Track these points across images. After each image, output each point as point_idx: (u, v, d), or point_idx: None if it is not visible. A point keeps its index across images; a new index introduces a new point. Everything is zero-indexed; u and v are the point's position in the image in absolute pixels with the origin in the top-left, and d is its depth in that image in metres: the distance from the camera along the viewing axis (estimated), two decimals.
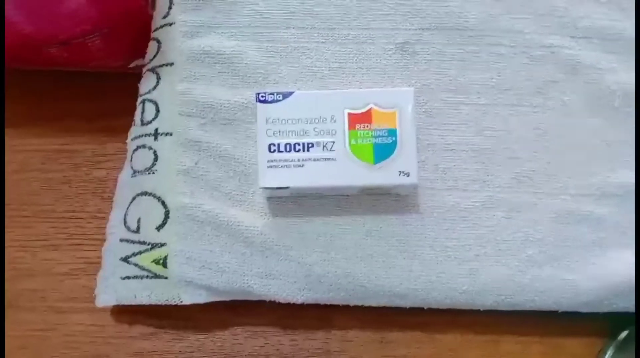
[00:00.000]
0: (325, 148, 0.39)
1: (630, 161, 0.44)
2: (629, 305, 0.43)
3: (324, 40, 0.44)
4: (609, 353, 0.44)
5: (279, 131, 0.40)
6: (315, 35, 0.44)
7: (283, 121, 0.40)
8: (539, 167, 0.44)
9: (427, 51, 0.44)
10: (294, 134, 0.40)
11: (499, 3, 0.44)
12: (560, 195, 0.43)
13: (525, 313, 0.44)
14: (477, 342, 0.46)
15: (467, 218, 0.43)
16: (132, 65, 0.49)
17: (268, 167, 0.39)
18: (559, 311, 0.44)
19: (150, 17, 0.47)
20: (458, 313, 0.44)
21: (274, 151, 0.39)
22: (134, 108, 0.46)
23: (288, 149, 0.39)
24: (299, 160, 0.39)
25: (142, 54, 0.47)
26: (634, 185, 0.43)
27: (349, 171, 0.39)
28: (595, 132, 0.44)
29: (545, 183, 0.43)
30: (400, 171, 0.39)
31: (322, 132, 0.39)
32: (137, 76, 0.47)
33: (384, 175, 0.40)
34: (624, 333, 0.44)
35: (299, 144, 0.39)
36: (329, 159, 0.39)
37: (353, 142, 0.39)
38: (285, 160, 0.39)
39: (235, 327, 0.46)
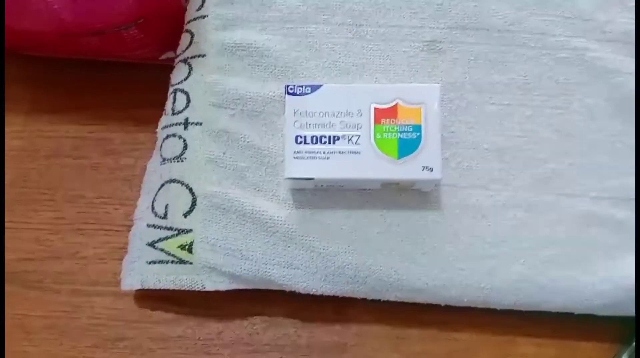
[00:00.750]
0: (350, 141, 0.40)
1: None
2: None
3: (352, 36, 0.45)
4: None
5: (306, 123, 0.40)
6: (344, 31, 0.45)
7: (310, 114, 0.40)
8: (561, 168, 0.44)
9: (454, 49, 0.45)
10: (320, 126, 0.40)
11: (527, 5, 0.45)
12: (581, 197, 0.44)
13: (541, 314, 0.44)
14: (492, 342, 0.46)
15: (488, 216, 0.44)
16: (163, 57, 0.50)
17: (294, 158, 0.40)
18: (575, 314, 0.44)
19: (184, 10, 0.48)
20: (475, 312, 0.45)
21: (301, 142, 0.40)
22: (164, 99, 0.48)
23: (314, 141, 0.40)
24: (324, 152, 0.40)
25: (174, 47, 0.48)
26: None
27: (373, 164, 0.40)
28: (618, 135, 0.44)
29: (566, 185, 0.44)
30: (423, 166, 0.40)
31: (348, 126, 0.40)
32: (168, 67, 0.48)
33: (407, 169, 0.40)
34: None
35: (325, 137, 0.40)
36: (354, 152, 0.40)
37: (378, 136, 0.40)
38: (311, 152, 0.40)
39: (254, 317, 0.46)
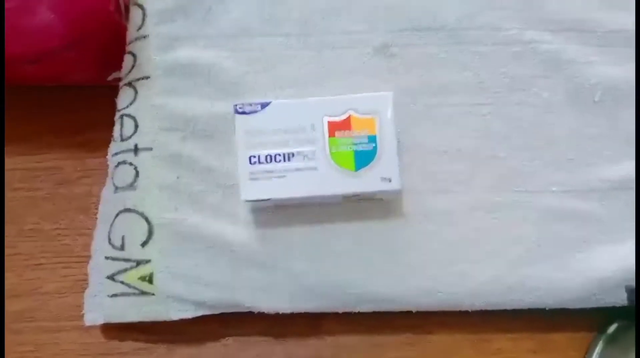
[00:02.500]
0: (306, 157, 0.39)
1: (612, 155, 0.44)
2: (617, 300, 0.43)
3: (301, 47, 0.44)
4: (599, 346, 0.44)
5: (259, 142, 0.39)
6: (292, 41, 0.44)
7: (262, 132, 0.39)
8: (522, 165, 0.43)
9: (406, 52, 0.44)
10: (274, 144, 0.39)
11: (476, 1, 0.44)
12: (544, 193, 0.43)
13: (514, 311, 0.44)
14: (468, 342, 0.46)
15: (453, 220, 0.43)
16: (110, 78, 0.48)
17: (250, 179, 0.39)
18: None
19: (124, 30, 0.46)
20: (448, 314, 0.44)
21: (255, 162, 0.39)
22: (113, 121, 0.46)
23: (269, 160, 0.39)
24: (280, 171, 0.39)
25: (119, 66, 0.46)
26: (616, 180, 0.43)
27: (330, 179, 0.39)
28: (577, 127, 0.44)
29: (528, 181, 0.43)
30: (382, 177, 0.39)
31: (302, 142, 0.39)
32: (116, 88, 0.47)
33: (365, 182, 0.40)
34: (612, 327, 0.44)
35: (279, 155, 0.39)
36: (310, 168, 0.39)
37: (334, 150, 0.39)
38: (267, 171, 0.39)
39: (227, 338, 0.46)
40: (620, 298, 0.42)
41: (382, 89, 0.43)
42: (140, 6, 0.44)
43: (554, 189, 0.43)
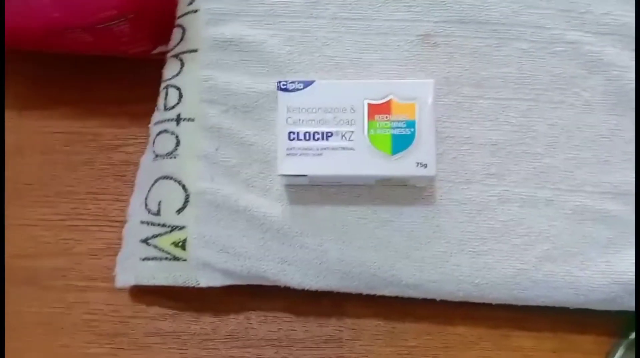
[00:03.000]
0: (344, 137, 0.40)
1: None
2: None
3: (345, 31, 0.44)
4: (619, 352, 0.44)
5: (299, 120, 0.40)
6: (337, 25, 0.44)
7: (303, 110, 0.40)
8: (556, 163, 0.44)
9: (449, 43, 0.44)
10: (313, 122, 0.40)
11: None
12: (577, 192, 0.43)
13: (538, 308, 0.44)
14: (489, 336, 0.46)
15: (483, 211, 0.43)
16: (155, 51, 0.49)
17: (287, 155, 0.40)
18: (571, 308, 0.44)
19: (175, 4, 0.47)
20: (470, 306, 0.45)
21: (294, 139, 0.40)
22: (157, 94, 0.47)
23: (307, 138, 0.40)
24: (317, 149, 0.40)
25: (166, 41, 0.48)
26: None
27: (366, 160, 0.40)
28: (614, 130, 0.44)
29: (561, 180, 0.44)
30: (418, 163, 0.40)
31: (341, 122, 0.40)
32: (160, 62, 0.48)
33: (401, 166, 0.40)
34: (634, 334, 0.44)
35: (318, 133, 0.40)
36: (347, 148, 0.40)
37: (372, 132, 0.40)
38: (304, 148, 0.40)
39: (250, 312, 0.47)
40: None
41: (423, 78, 0.44)
42: None
43: (587, 189, 0.43)
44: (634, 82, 0.44)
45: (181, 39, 0.46)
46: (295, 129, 0.40)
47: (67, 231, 0.49)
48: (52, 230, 0.49)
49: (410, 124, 0.40)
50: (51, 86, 0.52)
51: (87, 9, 0.44)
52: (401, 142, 0.40)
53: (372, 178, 0.42)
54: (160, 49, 0.49)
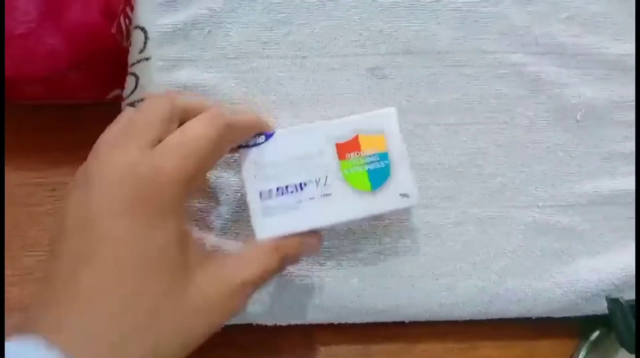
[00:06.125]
0: (319, 184, 0.38)
1: (592, 171, 0.46)
2: (598, 309, 0.45)
3: (297, 69, 0.45)
4: (582, 353, 0.46)
5: (267, 175, 0.38)
6: (289, 64, 0.45)
7: (269, 164, 0.38)
8: (507, 181, 0.46)
9: (397, 74, 0.46)
10: (283, 175, 0.38)
11: (464, 25, 0.46)
12: (529, 207, 0.45)
13: (500, 319, 0.46)
14: (456, 350, 0.47)
15: (441, 234, 0.45)
16: (110, 95, 0.49)
17: (263, 216, 0.37)
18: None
19: (126, 50, 0.48)
20: (437, 323, 0.46)
21: (266, 198, 0.38)
22: None
23: (280, 193, 0.38)
24: (294, 202, 0.38)
25: (120, 85, 0.48)
26: (596, 195, 0.46)
27: (349, 203, 0.38)
28: (559, 145, 0.46)
29: (513, 197, 0.45)
30: (401, 194, 0.38)
31: (312, 169, 0.38)
32: (115, 105, 0.48)
33: (385, 201, 0.38)
34: (594, 334, 0.46)
35: (290, 186, 0.38)
36: (325, 195, 0.38)
37: (346, 172, 0.38)
38: (280, 205, 0.37)
39: (219, 349, 0.47)
40: (601, 307, 0.44)
41: (376, 107, 0.45)
42: (142, 29, 0.45)
43: (539, 204, 0.45)
44: (573, 98, 0.46)
45: (135, 87, 0.46)
46: (266, 187, 0.38)
47: (34, 284, 0.48)
48: (18, 285, 0.48)
49: (383, 157, 0.39)
50: (7, 136, 0.51)
51: (38, 65, 0.44)
52: (378, 176, 0.39)
53: (359, 221, 0.41)
54: (114, 93, 0.49)
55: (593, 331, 0.46)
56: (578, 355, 0.46)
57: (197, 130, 0.35)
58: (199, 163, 0.35)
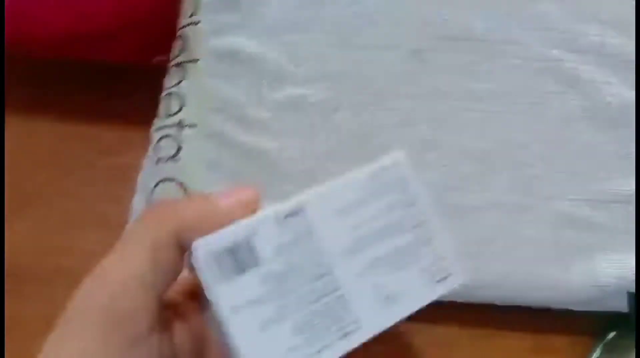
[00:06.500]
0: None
1: (623, 170, 0.46)
2: (618, 305, 0.45)
3: (335, 46, 0.47)
4: (597, 352, 0.46)
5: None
6: (333, 41, 0.47)
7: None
8: (539, 173, 0.46)
9: (438, 58, 0.47)
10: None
11: (507, 17, 0.47)
12: (559, 200, 0.46)
13: (519, 309, 0.46)
14: (470, 336, 0.47)
15: (468, 216, 0.45)
16: (155, 60, 0.51)
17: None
18: (552, 309, 0.46)
19: (177, 15, 0.49)
20: (454, 308, 0.46)
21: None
22: (158, 101, 0.49)
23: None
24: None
25: (166, 50, 0.49)
26: (625, 193, 0.46)
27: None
28: (591, 142, 0.46)
29: (544, 188, 0.46)
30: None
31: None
32: (160, 70, 0.50)
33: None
34: (611, 334, 0.46)
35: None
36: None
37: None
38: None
39: None
40: (621, 304, 0.45)
41: (413, 91, 0.46)
42: None
43: (569, 197, 0.46)
44: (608, 96, 0.47)
45: (182, 49, 0.48)
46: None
47: (67, 232, 0.50)
48: (51, 230, 0.50)
49: None
50: (52, 90, 0.53)
51: (91, 20, 0.46)
52: None
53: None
54: (159, 57, 0.51)
55: (610, 331, 0.46)
56: (593, 354, 0.46)
57: None
58: None
